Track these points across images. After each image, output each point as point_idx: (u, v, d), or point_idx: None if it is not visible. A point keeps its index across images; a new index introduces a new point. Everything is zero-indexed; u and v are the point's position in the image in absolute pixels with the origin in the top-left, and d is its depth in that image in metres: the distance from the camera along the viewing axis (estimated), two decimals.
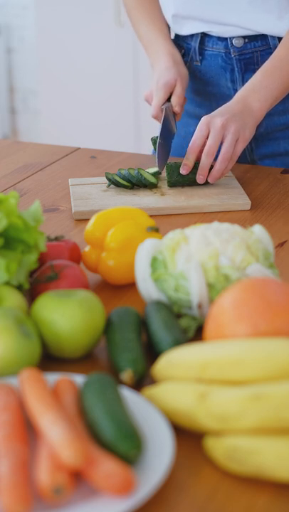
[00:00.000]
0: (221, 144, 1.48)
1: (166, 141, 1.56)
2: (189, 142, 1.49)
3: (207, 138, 1.47)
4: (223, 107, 1.51)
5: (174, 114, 1.60)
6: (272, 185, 1.58)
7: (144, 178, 1.52)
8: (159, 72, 1.61)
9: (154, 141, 1.57)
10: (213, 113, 1.49)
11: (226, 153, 1.47)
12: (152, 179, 1.52)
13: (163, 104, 1.58)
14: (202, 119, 1.48)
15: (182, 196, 1.50)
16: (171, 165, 1.52)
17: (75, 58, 3.67)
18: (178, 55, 1.65)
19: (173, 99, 1.59)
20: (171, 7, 1.67)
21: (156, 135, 1.56)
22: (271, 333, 0.91)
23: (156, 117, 1.60)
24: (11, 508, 0.74)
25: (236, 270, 1.06)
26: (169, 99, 1.60)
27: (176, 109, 1.59)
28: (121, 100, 3.64)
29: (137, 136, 3.67)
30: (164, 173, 1.56)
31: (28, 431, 0.85)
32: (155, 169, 1.55)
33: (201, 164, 1.49)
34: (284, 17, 1.57)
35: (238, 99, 1.52)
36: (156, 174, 1.54)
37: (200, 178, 1.50)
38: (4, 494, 0.75)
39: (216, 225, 1.12)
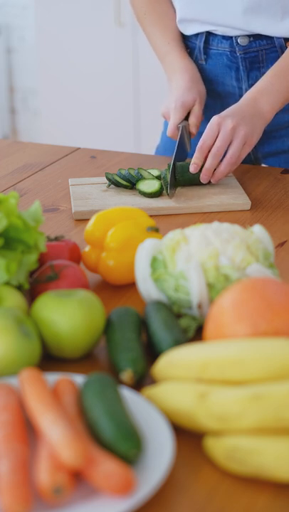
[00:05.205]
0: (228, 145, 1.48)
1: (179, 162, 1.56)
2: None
3: (216, 138, 1.47)
4: (233, 106, 1.51)
5: (190, 133, 1.61)
6: (272, 185, 1.58)
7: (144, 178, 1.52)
8: (178, 91, 1.61)
9: (169, 166, 1.51)
10: (223, 113, 1.49)
11: (232, 157, 1.47)
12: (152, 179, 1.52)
13: (180, 123, 1.59)
14: (213, 118, 1.48)
15: (182, 196, 1.50)
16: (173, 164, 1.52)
17: (75, 58, 3.67)
18: (196, 72, 1.65)
19: (191, 120, 1.60)
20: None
21: (171, 161, 1.52)
22: (271, 333, 0.91)
23: (172, 137, 1.60)
24: (11, 508, 0.74)
25: (236, 270, 1.06)
26: (186, 117, 1.60)
27: (193, 130, 1.59)
28: (121, 100, 3.63)
29: (137, 136, 3.67)
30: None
31: (28, 431, 0.85)
32: (156, 170, 1.55)
33: (206, 165, 1.49)
34: (287, 19, 1.57)
35: (249, 100, 1.52)
36: (154, 195, 1.49)
37: (204, 178, 1.50)
38: (4, 494, 0.75)
39: (216, 225, 1.12)
